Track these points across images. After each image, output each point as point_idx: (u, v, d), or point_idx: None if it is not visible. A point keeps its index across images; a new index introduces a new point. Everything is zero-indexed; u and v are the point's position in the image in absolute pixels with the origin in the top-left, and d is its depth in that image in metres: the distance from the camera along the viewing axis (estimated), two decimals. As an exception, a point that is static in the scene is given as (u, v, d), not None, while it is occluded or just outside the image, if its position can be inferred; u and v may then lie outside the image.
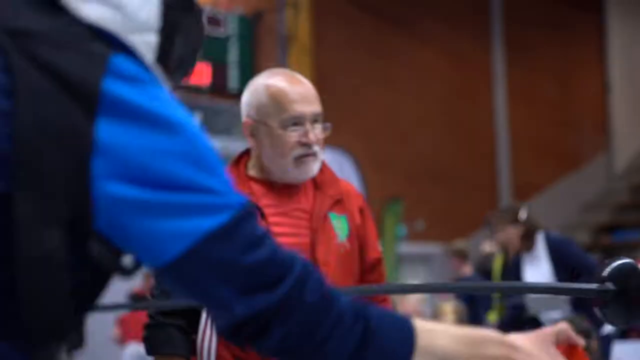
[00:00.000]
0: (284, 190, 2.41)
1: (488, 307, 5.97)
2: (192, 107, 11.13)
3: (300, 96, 2.36)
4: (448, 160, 13.97)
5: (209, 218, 1.09)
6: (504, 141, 14.84)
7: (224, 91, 11.45)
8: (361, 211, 2.50)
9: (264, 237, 1.14)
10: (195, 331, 2.37)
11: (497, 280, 6.50)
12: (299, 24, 12.38)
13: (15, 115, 1.04)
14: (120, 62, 1.11)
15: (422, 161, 13.70)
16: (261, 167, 2.43)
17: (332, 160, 10.65)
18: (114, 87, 1.08)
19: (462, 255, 8.11)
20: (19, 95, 1.04)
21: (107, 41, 1.13)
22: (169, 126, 1.10)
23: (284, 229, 2.34)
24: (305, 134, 2.35)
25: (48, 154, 1.04)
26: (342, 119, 13.09)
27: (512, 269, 5.80)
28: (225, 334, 1.15)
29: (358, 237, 2.47)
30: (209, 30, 11.51)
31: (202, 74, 11.31)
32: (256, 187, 2.40)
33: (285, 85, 2.37)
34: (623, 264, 1.68)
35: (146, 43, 1.17)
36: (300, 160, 2.36)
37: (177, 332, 2.36)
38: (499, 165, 14.80)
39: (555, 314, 5.44)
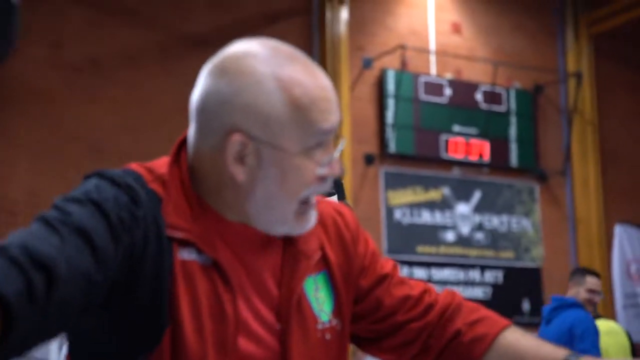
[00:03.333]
0: (247, 241, 1.52)
1: None
2: (472, 184, 10.99)
3: (330, 101, 1.48)
4: None
5: None
6: None
7: (504, 167, 11.24)
8: (353, 234, 1.68)
9: None
10: None
11: None
12: (582, 96, 11.95)
13: None
14: None
15: None
16: (224, 202, 1.50)
17: (626, 237, 10.01)
18: None
19: None
20: None
21: None
22: None
23: (250, 310, 1.51)
24: (333, 163, 1.49)
25: None
26: (632, 195, 12.40)
27: None
28: None
29: (353, 271, 1.65)
30: (488, 107, 11.35)
31: (482, 150, 11.19)
32: (214, 228, 1.50)
33: (310, 82, 1.46)
34: None
35: None
36: (303, 209, 1.50)
37: None
38: None
39: None
